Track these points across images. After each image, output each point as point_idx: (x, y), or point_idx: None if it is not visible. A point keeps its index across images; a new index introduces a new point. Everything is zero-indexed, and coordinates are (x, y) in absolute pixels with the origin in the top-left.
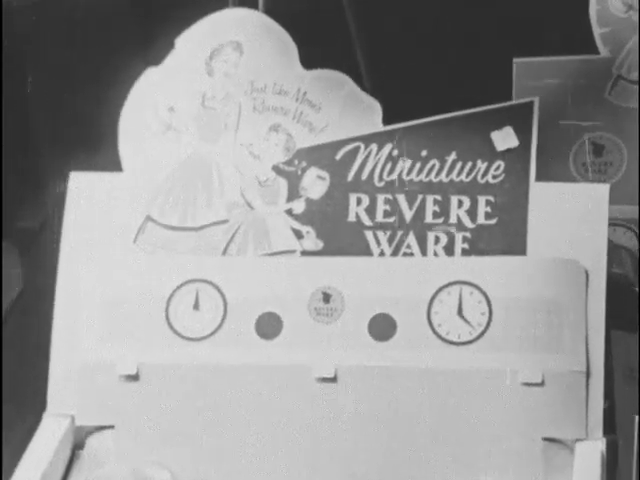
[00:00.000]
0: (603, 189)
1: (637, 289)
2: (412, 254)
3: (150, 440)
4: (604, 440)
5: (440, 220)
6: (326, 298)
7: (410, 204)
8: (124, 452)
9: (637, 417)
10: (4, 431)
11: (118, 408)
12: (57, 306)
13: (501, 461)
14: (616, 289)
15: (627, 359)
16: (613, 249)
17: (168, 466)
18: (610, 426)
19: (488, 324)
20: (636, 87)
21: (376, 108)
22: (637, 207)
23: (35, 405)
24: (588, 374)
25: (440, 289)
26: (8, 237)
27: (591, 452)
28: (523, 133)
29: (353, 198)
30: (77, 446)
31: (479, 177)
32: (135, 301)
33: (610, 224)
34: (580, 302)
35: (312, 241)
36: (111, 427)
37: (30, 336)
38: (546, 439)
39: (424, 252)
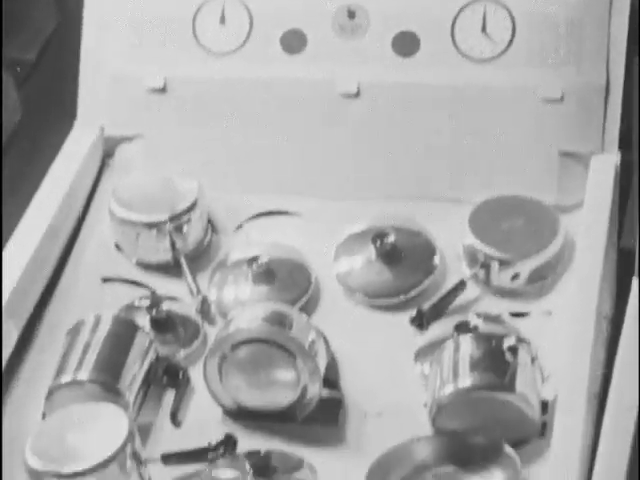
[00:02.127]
0: None
1: None
2: None
3: (177, 150)
4: (619, 154)
5: None
6: (351, 14)
7: None
8: (152, 161)
9: None
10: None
11: (146, 119)
12: (86, 23)
13: (517, 173)
14: None
15: None
16: None
17: (195, 175)
18: (628, 144)
19: (511, 40)
20: None
21: None
22: None
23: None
24: (607, 90)
25: (465, 6)
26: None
27: (605, 165)
28: None
29: None
30: (107, 155)
31: None
32: (162, 16)
33: None
34: (603, 18)
35: None
36: (140, 137)
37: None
38: (563, 153)
39: None
